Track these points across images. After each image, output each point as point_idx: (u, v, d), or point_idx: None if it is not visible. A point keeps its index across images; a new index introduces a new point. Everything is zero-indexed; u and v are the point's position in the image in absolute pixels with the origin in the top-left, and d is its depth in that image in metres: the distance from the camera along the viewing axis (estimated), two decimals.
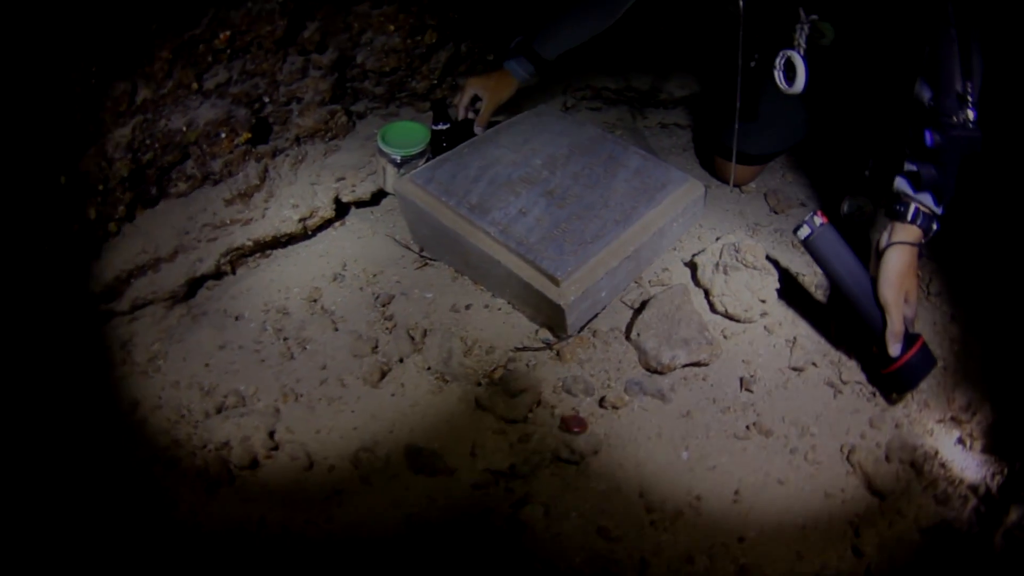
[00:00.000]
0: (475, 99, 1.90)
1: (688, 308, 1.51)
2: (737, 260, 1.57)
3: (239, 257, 1.78)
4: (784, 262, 1.74)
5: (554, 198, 1.63)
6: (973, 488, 1.37)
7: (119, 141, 1.56)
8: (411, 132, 1.81)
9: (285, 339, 1.61)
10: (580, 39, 1.85)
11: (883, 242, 1.43)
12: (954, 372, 1.56)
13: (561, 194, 1.64)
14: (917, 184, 1.40)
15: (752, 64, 1.87)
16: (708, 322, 1.58)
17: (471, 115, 1.91)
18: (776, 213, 1.93)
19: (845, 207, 1.83)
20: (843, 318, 1.60)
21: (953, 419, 1.49)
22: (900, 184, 1.44)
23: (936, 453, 1.42)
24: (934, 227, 1.42)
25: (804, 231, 1.47)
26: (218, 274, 1.75)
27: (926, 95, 1.38)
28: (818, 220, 1.46)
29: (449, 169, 1.71)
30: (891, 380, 1.48)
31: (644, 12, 1.88)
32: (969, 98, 1.31)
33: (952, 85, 1.31)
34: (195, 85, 1.67)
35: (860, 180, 1.83)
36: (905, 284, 1.40)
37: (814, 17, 1.53)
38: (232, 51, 1.69)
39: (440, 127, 1.84)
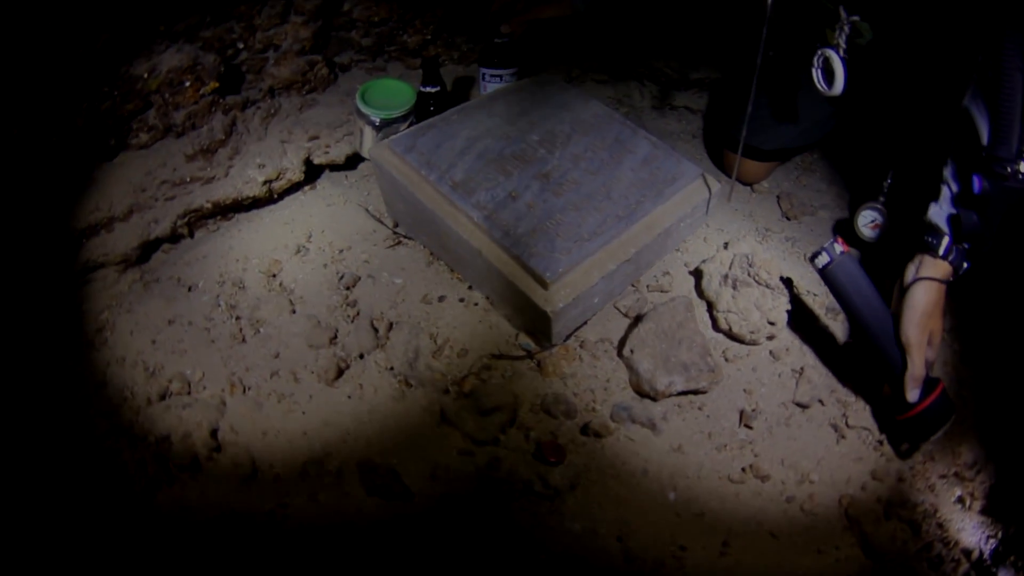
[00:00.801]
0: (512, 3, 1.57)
1: (691, 327, 1.24)
2: (749, 275, 1.30)
3: (198, 219, 1.51)
4: (795, 277, 1.48)
5: (550, 182, 1.33)
6: (967, 552, 1.18)
7: (74, 89, 1.28)
8: (395, 92, 1.49)
9: (238, 318, 1.35)
10: None
11: (909, 276, 1.22)
12: (963, 420, 1.33)
13: (558, 178, 1.34)
14: (956, 230, 1.19)
15: (770, 54, 1.56)
16: (710, 340, 1.32)
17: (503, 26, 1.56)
18: (788, 219, 1.66)
19: (860, 219, 1.57)
20: (854, 357, 1.36)
21: (957, 475, 1.28)
22: (935, 215, 1.22)
23: (935, 511, 1.22)
24: (965, 265, 1.21)
25: (822, 259, 1.24)
26: (174, 237, 1.49)
27: (983, 122, 1.15)
28: (838, 248, 1.23)
29: (433, 137, 1.40)
30: (905, 428, 1.26)
31: None
32: None
33: (1012, 133, 1.10)
34: (161, 27, 1.38)
35: (878, 190, 1.58)
36: (930, 324, 1.19)
37: (855, 18, 1.30)
38: None
39: (429, 89, 1.53)
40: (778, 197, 1.71)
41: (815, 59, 1.33)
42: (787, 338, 1.38)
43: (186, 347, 1.30)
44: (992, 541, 1.19)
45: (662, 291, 1.40)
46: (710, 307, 1.37)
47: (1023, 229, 1.29)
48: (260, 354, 1.30)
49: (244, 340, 1.32)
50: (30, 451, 1.14)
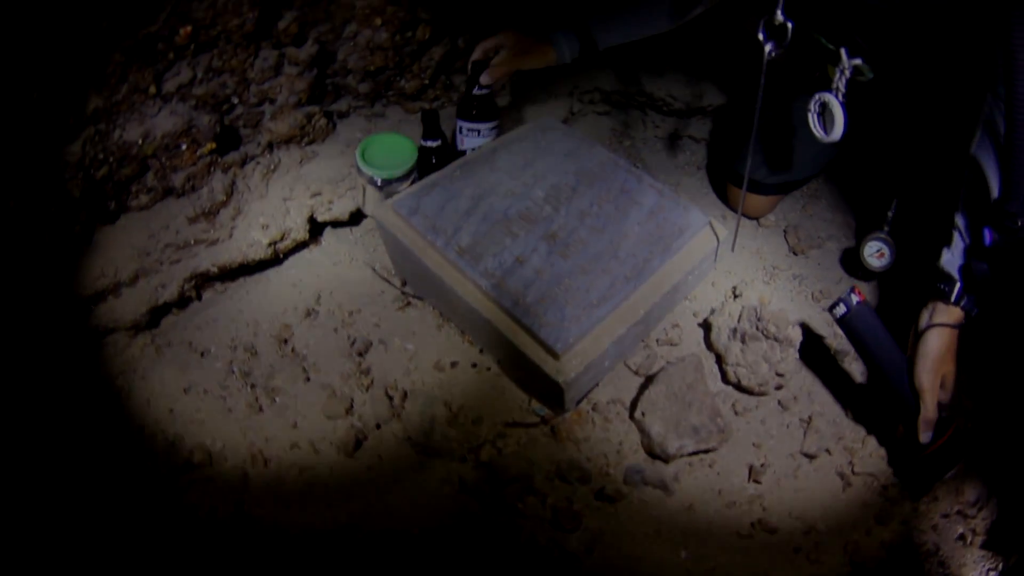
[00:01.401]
0: (496, 51, 1.54)
1: (700, 389, 1.28)
2: (758, 328, 1.33)
3: (205, 282, 1.53)
4: (804, 317, 1.50)
5: (557, 243, 1.35)
6: None
7: (68, 159, 1.28)
8: (396, 148, 1.50)
9: (253, 386, 1.38)
10: (639, 35, 1.56)
11: (923, 323, 1.26)
12: (967, 456, 1.35)
13: (565, 238, 1.36)
14: (968, 280, 1.23)
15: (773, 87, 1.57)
16: (719, 393, 1.36)
17: (484, 77, 1.52)
18: (796, 254, 1.68)
19: (866, 250, 1.60)
20: (862, 398, 1.41)
21: (960, 513, 1.32)
22: (948, 264, 1.25)
23: (937, 550, 1.27)
24: (976, 310, 1.25)
25: (840, 310, 1.30)
26: (183, 300, 1.50)
27: (992, 176, 1.17)
28: (855, 298, 1.29)
29: (437, 198, 1.41)
30: (918, 468, 1.31)
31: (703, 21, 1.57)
32: None
33: (1022, 187, 1.12)
34: (153, 88, 1.38)
35: (882, 219, 1.60)
36: (943, 369, 1.24)
37: (857, 61, 1.29)
38: (196, 47, 1.38)
39: (430, 143, 1.54)
40: (784, 231, 1.73)
41: (812, 104, 1.32)
42: (796, 386, 1.42)
43: (204, 417, 1.34)
44: (993, 574, 1.24)
45: (672, 344, 1.43)
46: (719, 360, 1.40)
47: None
48: (278, 424, 1.33)
49: (261, 410, 1.35)
50: (49, 525, 1.17)
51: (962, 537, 1.29)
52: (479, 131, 1.61)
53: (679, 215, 1.44)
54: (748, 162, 1.44)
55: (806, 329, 1.48)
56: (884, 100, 1.50)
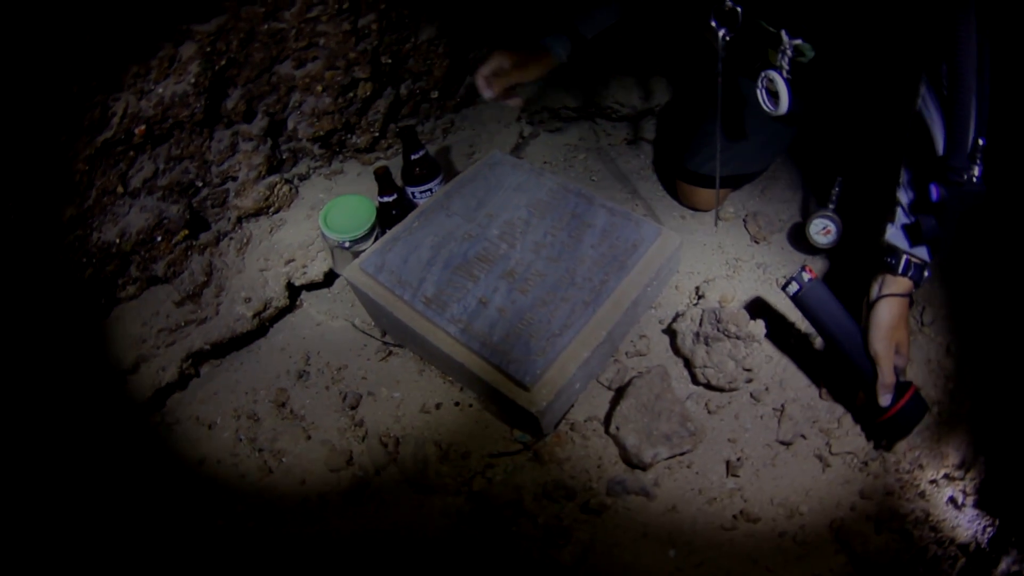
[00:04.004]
0: (497, 71, 1.67)
1: (668, 397, 1.47)
2: (719, 330, 1.51)
3: (200, 359, 1.76)
4: (770, 301, 1.68)
5: (516, 280, 1.55)
6: (963, 547, 1.38)
7: (51, 268, 1.50)
8: (356, 209, 1.71)
9: (260, 451, 1.60)
10: (616, 16, 1.74)
11: (873, 294, 1.44)
12: (949, 418, 1.54)
13: (523, 273, 1.56)
14: (915, 237, 1.39)
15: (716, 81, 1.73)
16: (692, 396, 1.55)
17: (487, 93, 1.66)
18: (757, 243, 1.85)
19: (811, 227, 1.78)
20: (832, 373, 1.58)
21: (947, 476, 1.48)
22: (893, 237, 1.42)
23: (927, 516, 1.43)
24: (925, 275, 1.42)
25: (792, 287, 1.47)
26: (183, 379, 1.73)
27: (938, 132, 1.32)
28: (806, 276, 1.46)
29: (400, 252, 1.61)
30: (883, 429, 1.49)
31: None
32: (979, 154, 1.27)
33: (966, 140, 1.26)
34: (120, 188, 1.60)
35: (827, 198, 1.78)
36: (895, 336, 1.42)
37: (798, 42, 1.46)
38: (153, 141, 1.60)
39: (387, 199, 1.74)
40: (744, 220, 1.89)
41: (759, 81, 1.49)
42: (766, 377, 1.59)
43: (220, 485, 1.58)
44: (990, 530, 1.37)
45: (641, 355, 1.62)
46: (687, 364, 1.58)
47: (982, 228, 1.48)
48: (288, 483, 1.55)
49: (271, 471, 1.57)
50: None
51: (952, 500, 1.44)
52: (430, 190, 1.82)
53: (631, 231, 1.62)
54: (719, 132, 1.60)
55: (772, 317, 1.66)
56: (826, 78, 1.64)
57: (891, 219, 1.42)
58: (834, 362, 1.57)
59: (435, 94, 1.96)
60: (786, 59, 1.46)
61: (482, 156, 1.83)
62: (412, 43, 1.85)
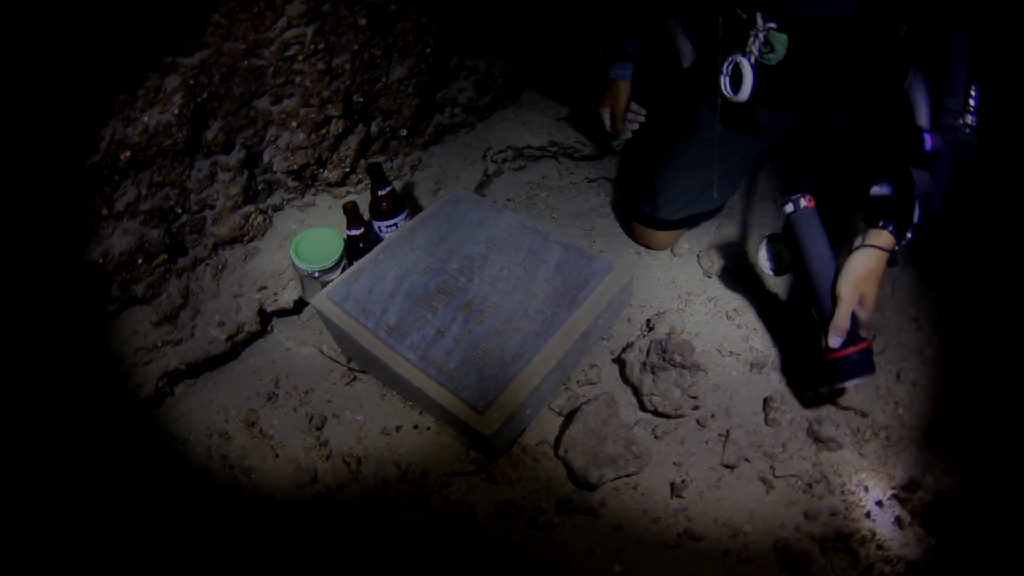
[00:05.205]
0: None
1: (614, 423, 1.61)
2: (665, 360, 1.66)
3: (175, 379, 1.88)
4: (719, 337, 1.83)
5: (472, 311, 1.70)
6: (913, 565, 1.49)
7: (37, 284, 1.63)
8: (325, 242, 1.87)
9: (231, 467, 1.73)
10: (639, 25, 1.95)
11: (856, 243, 1.52)
12: (897, 442, 1.67)
13: (479, 305, 1.71)
14: (907, 189, 1.41)
15: (671, 127, 1.91)
16: (640, 422, 1.69)
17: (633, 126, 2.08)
18: (709, 277, 2.01)
19: (760, 253, 1.83)
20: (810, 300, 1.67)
21: (895, 497, 1.60)
22: (877, 191, 1.49)
23: (873, 535, 1.54)
24: (908, 235, 1.47)
25: (788, 208, 1.60)
26: (158, 397, 1.85)
27: (922, 97, 1.41)
28: (803, 203, 1.60)
29: (365, 283, 1.77)
30: (823, 371, 1.60)
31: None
32: (972, 102, 1.34)
33: (959, 84, 1.33)
34: (105, 210, 1.73)
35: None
36: (863, 286, 1.50)
37: (772, 25, 1.54)
38: (137, 167, 1.74)
39: (354, 232, 1.90)
40: (698, 256, 2.06)
41: (724, 66, 1.58)
42: (712, 405, 1.73)
43: (191, 500, 1.70)
44: (939, 548, 1.49)
45: (591, 383, 1.77)
46: (636, 391, 1.73)
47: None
48: (256, 499, 1.67)
49: (240, 487, 1.69)
50: None
51: (899, 521, 1.56)
52: (396, 224, 1.99)
53: (583, 266, 1.78)
54: (652, 199, 1.76)
55: (719, 348, 1.82)
56: (791, 83, 1.72)
57: (876, 180, 1.48)
58: (807, 294, 1.66)
59: (404, 132, 2.14)
60: (757, 44, 1.54)
61: (447, 192, 2.00)
62: (383, 83, 2.03)
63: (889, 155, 1.46)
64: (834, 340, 1.52)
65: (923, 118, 1.40)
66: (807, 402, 1.69)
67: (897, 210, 1.46)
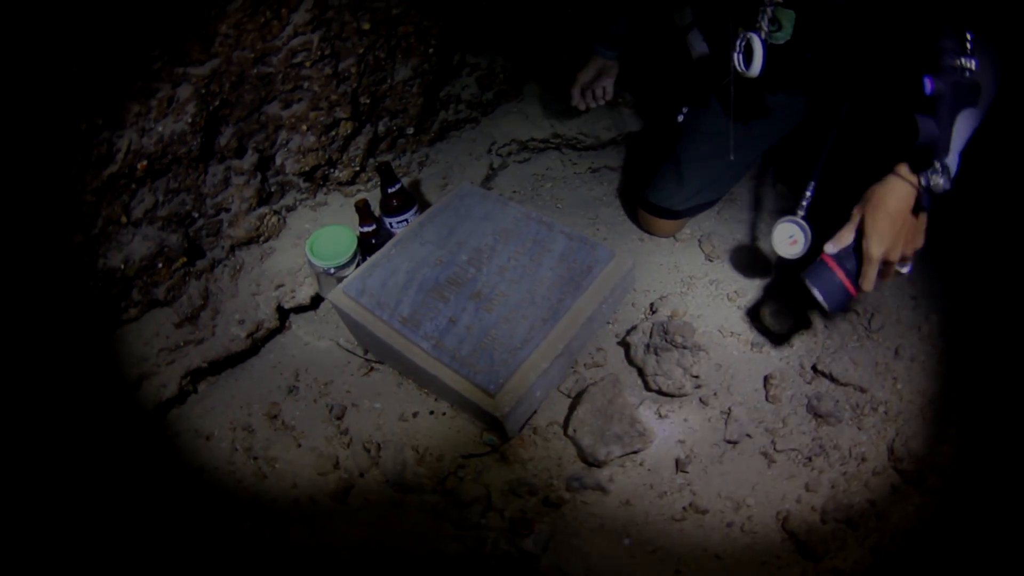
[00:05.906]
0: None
1: (620, 402, 1.73)
2: (667, 341, 1.77)
3: (198, 376, 2.01)
4: (719, 318, 1.94)
5: (482, 300, 1.82)
6: (911, 533, 1.58)
7: (62, 291, 1.74)
8: (338, 239, 1.98)
9: (255, 459, 1.85)
10: (638, 15, 2.05)
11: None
12: (896, 416, 1.77)
13: (488, 294, 1.83)
14: (913, 137, 1.38)
15: (680, 119, 1.99)
16: (644, 401, 1.81)
17: (582, 104, 2.19)
18: (711, 261, 2.11)
19: (776, 235, 1.83)
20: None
21: (895, 469, 1.69)
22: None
23: (873, 505, 1.64)
24: (940, 181, 1.39)
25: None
26: (182, 395, 1.98)
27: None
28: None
29: (379, 277, 1.89)
30: (813, 268, 1.61)
31: None
32: (968, 45, 1.33)
33: (955, 28, 1.33)
34: (124, 218, 1.85)
35: (796, 205, 1.90)
36: (873, 207, 1.46)
37: (779, 0, 1.59)
38: (153, 175, 1.85)
39: (366, 229, 2.01)
40: (699, 240, 2.17)
41: (737, 42, 1.63)
42: (715, 384, 1.84)
43: (218, 492, 1.84)
44: (939, 518, 1.57)
45: (597, 366, 1.88)
46: (640, 372, 1.85)
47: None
48: (281, 487, 1.81)
49: (265, 477, 1.82)
50: None
51: (896, 491, 1.65)
52: (406, 220, 2.10)
53: (587, 254, 1.89)
54: (659, 189, 1.84)
55: (721, 328, 1.93)
56: (798, 69, 1.78)
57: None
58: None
59: (411, 130, 2.26)
60: (765, 20, 1.59)
61: (454, 187, 2.11)
62: (388, 84, 2.14)
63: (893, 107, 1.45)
64: (830, 245, 1.55)
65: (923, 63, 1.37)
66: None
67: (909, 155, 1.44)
